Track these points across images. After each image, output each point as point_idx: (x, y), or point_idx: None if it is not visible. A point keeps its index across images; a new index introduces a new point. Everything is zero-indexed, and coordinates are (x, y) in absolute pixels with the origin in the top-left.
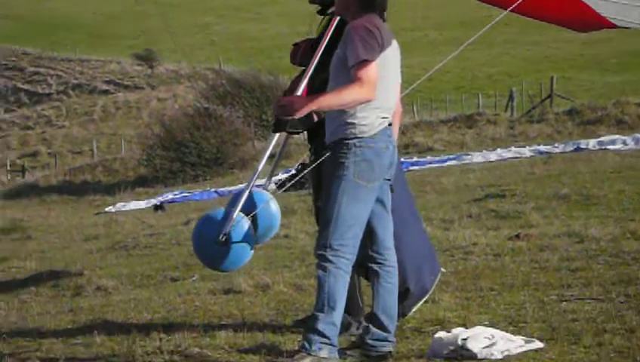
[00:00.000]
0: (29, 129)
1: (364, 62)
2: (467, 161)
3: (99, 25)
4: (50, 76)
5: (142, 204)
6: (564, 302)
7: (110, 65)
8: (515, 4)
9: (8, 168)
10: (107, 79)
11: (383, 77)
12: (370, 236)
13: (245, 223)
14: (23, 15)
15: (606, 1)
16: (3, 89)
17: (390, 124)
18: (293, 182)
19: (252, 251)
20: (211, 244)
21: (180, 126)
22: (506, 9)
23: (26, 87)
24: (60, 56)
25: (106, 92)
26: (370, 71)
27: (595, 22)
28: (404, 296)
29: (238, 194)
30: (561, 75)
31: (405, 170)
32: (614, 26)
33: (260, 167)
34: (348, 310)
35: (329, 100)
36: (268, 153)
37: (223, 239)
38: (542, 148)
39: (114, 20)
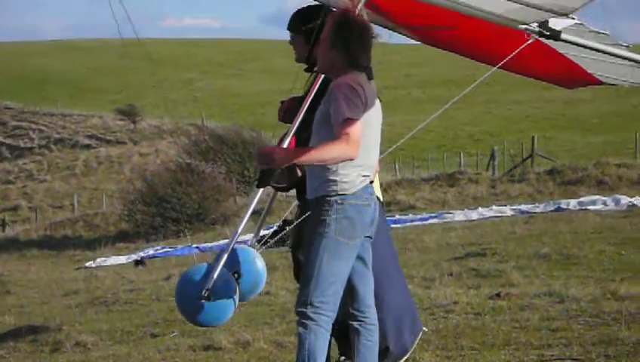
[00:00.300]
0: (10, 183)
1: (349, 121)
2: (449, 220)
3: (81, 79)
4: (32, 130)
5: (122, 259)
6: None
7: (92, 120)
8: (502, 62)
9: None
10: (89, 134)
11: (364, 135)
12: (350, 294)
13: (228, 278)
14: (4, 70)
15: (592, 59)
16: None
17: (372, 182)
18: (276, 238)
19: (235, 306)
20: (194, 299)
21: (162, 181)
22: (493, 66)
23: (7, 141)
24: (42, 111)
25: (87, 146)
26: (355, 129)
27: (581, 78)
28: (384, 354)
29: (222, 251)
30: (542, 134)
31: None
32: (600, 83)
33: (244, 223)
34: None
35: (312, 155)
36: (252, 208)
37: (206, 294)
38: (523, 207)
39: (97, 75)
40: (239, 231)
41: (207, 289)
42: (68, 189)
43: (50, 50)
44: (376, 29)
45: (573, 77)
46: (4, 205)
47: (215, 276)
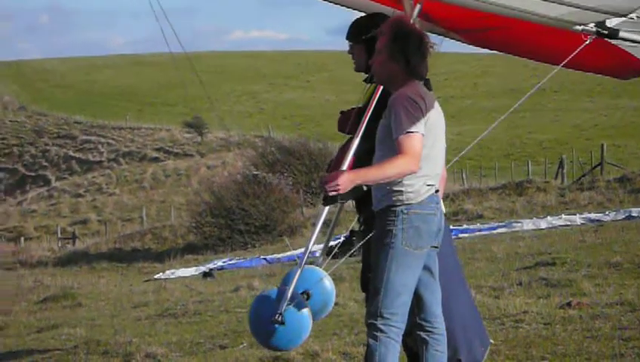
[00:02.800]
0: (80, 196)
1: (409, 134)
2: (517, 229)
3: (149, 93)
4: (101, 144)
5: (191, 271)
6: None
7: (160, 133)
8: (563, 63)
9: (59, 236)
10: (157, 147)
11: (428, 145)
12: (418, 304)
13: (301, 300)
14: (73, 84)
15: None
16: (55, 157)
17: (437, 191)
18: (345, 250)
19: (309, 328)
20: (267, 324)
21: (229, 193)
22: (549, 63)
23: (77, 155)
24: (110, 125)
25: (155, 159)
26: (415, 143)
27: (635, 68)
28: None
29: (291, 272)
30: (611, 142)
31: (455, 237)
32: None
33: (312, 242)
34: None
35: (373, 174)
36: (319, 228)
37: (279, 318)
38: (592, 216)
39: (164, 89)
40: (308, 251)
41: (280, 314)
42: (136, 202)
43: (118, 64)
44: (433, 37)
45: (627, 66)
46: (74, 218)
47: (287, 298)
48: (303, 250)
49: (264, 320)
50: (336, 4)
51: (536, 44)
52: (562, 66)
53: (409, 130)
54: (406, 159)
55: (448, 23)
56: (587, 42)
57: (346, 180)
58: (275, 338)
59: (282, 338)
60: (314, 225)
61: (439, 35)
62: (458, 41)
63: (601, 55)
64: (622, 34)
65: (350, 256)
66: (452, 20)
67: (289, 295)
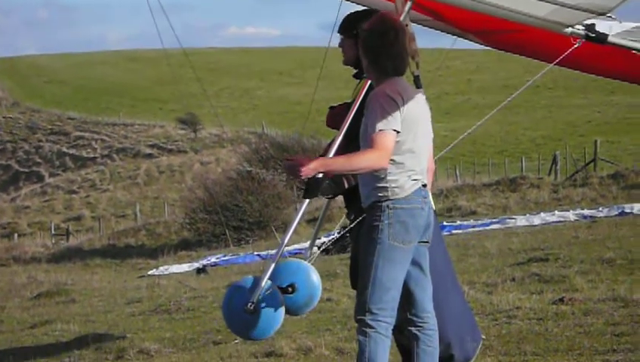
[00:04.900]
0: (74, 193)
1: (382, 132)
2: (510, 225)
3: (142, 89)
4: (95, 140)
5: (184, 267)
6: None
7: (154, 130)
8: (554, 64)
9: (53, 232)
10: (151, 143)
11: (411, 140)
12: (408, 299)
13: (274, 291)
14: (67, 80)
15: None
16: (48, 153)
17: (425, 185)
18: (336, 245)
19: (281, 319)
20: (240, 313)
21: (223, 189)
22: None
23: (70, 151)
24: (104, 121)
25: (149, 156)
26: (386, 139)
27: None
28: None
29: (269, 261)
30: (605, 138)
31: (448, 233)
32: None
33: (290, 233)
34: None
35: (340, 164)
36: (298, 219)
37: (252, 307)
38: (586, 212)
39: (157, 85)
40: (285, 241)
41: (253, 303)
42: (130, 198)
43: (112, 60)
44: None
45: None
46: (68, 215)
47: (260, 288)
48: (295, 246)
49: (237, 308)
50: None
51: (550, 46)
52: (587, 72)
53: (382, 128)
54: (375, 154)
55: (463, 24)
56: (576, 45)
57: (310, 167)
58: (246, 327)
59: (254, 327)
60: (294, 217)
61: (455, 35)
62: (475, 42)
63: (616, 61)
64: (611, 39)
65: (343, 252)
66: (466, 21)
67: (262, 284)
